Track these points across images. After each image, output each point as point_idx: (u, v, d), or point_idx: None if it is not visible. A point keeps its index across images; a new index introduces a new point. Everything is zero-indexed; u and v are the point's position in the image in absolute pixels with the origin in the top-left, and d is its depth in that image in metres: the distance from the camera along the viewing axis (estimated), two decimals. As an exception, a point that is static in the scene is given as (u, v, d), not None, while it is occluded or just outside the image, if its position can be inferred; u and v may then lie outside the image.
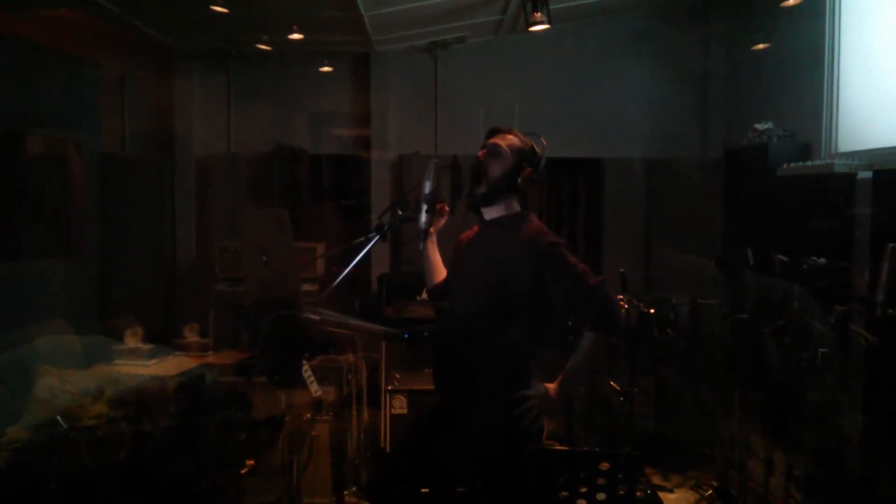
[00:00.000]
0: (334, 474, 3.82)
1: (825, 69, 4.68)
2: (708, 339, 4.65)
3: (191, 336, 4.67)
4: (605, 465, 2.15)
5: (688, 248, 5.60)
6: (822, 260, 3.57)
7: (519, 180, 2.55)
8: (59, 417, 3.31)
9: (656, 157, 6.56)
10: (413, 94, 6.56)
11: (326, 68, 6.54)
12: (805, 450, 3.54)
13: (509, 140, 2.58)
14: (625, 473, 2.15)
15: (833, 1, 4.65)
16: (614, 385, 4.38)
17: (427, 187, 2.46)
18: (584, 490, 2.14)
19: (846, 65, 4.57)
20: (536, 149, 2.60)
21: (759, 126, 5.05)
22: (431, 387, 2.71)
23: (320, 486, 3.90)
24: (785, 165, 4.56)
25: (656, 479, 4.40)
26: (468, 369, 2.53)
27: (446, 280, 2.80)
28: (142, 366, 4.14)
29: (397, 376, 4.28)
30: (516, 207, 2.60)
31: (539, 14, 4.89)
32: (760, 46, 5.44)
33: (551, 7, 4.92)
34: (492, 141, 2.59)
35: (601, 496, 2.14)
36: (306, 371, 3.14)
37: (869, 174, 3.97)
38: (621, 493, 2.14)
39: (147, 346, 4.28)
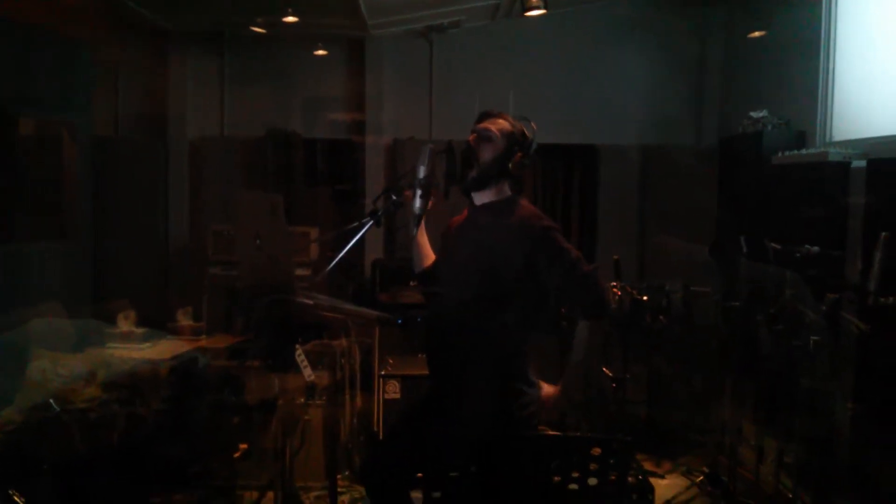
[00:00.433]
0: (327, 458, 3.82)
1: (821, 58, 4.68)
2: (701, 326, 4.66)
3: (184, 320, 4.65)
4: (596, 451, 2.15)
5: (682, 236, 5.60)
6: (816, 248, 3.58)
7: (510, 165, 2.54)
8: (51, 400, 3.31)
9: (651, 144, 6.56)
10: (408, 79, 6.53)
11: (321, 52, 6.50)
12: (796, 437, 3.56)
13: (500, 124, 2.56)
14: (616, 459, 2.16)
15: (829, -11, 4.64)
16: (607, 371, 4.40)
17: (421, 172, 2.45)
18: (575, 475, 2.15)
19: (841, 53, 4.57)
20: (527, 133, 2.59)
21: (753, 114, 5.05)
22: (425, 372, 2.72)
23: (313, 471, 3.92)
24: (779, 154, 4.56)
25: (648, 465, 4.43)
26: (461, 354, 2.52)
27: (435, 264, 2.80)
28: (135, 349, 4.13)
29: (391, 361, 4.28)
30: (507, 192, 2.60)
31: (535, -1, 4.88)
32: (756, 34, 5.43)
33: (548, -8, 4.92)
34: (482, 125, 2.57)
35: (593, 481, 2.15)
36: (300, 355, 3.14)
37: (863, 163, 3.98)
38: (613, 478, 2.15)
39: (140, 330, 4.27)
